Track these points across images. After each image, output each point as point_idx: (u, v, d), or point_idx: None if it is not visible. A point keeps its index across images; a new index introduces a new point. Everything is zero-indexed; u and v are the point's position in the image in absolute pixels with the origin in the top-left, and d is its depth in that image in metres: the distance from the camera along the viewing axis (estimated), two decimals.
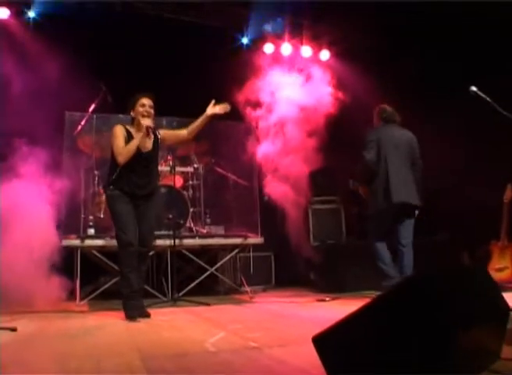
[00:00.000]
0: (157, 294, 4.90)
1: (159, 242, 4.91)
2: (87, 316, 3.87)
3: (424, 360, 1.45)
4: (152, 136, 3.93)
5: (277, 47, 6.53)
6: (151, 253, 4.20)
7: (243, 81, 5.53)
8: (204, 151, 6.16)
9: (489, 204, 4.95)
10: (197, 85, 5.76)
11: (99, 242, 4.85)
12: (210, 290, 5.67)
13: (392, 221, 4.45)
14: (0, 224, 4.46)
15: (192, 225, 5.59)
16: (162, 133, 4.10)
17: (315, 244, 6.02)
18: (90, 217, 5.11)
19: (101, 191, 5.04)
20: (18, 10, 5.66)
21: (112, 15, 5.84)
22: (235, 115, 5.59)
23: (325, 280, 5.64)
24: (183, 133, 4.13)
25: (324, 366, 1.61)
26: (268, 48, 6.54)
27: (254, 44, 6.64)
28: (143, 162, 3.85)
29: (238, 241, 5.42)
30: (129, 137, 3.80)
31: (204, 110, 4.06)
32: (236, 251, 5.59)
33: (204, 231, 5.69)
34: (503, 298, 1.84)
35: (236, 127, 5.91)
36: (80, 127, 5.44)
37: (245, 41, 6.67)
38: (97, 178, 5.36)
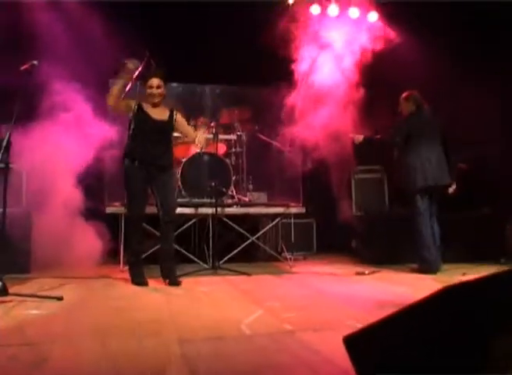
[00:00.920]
0: (199, 261, 5.04)
1: (201, 210, 5.00)
2: (130, 285, 3.99)
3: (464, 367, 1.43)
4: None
5: (323, 8, 6.26)
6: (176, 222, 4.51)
7: (288, 43, 5.43)
8: (248, 119, 6.12)
9: None
10: (243, 49, 5.68)
11: None
12: (251, 257, 5.75)
13: (428, 200, 4.70)
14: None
15: (234, 193, 5.63)
16: (179, 117, 4.16)
17: (357, 213, 5.96)
18: None
19: None
20: None
21: None
22: (280, 78, 5.51)
23: (366, 249, 5.63)
24: (192, 137, 4.20)
25: (354, 368, 1.61)
26: (315, 9, 6.29)
27: (301, 5, 6.39)
28: (156, 129, 3.97)
29: (280, 210, 5.43)
30: (138, 112, 3.93)
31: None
32: (278, 219, 5.62)
33: (247, 199, 5.72)
34: None
35: (279, 94, 5.80)
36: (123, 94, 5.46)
37: (291, 1, 6.42)
38: None
